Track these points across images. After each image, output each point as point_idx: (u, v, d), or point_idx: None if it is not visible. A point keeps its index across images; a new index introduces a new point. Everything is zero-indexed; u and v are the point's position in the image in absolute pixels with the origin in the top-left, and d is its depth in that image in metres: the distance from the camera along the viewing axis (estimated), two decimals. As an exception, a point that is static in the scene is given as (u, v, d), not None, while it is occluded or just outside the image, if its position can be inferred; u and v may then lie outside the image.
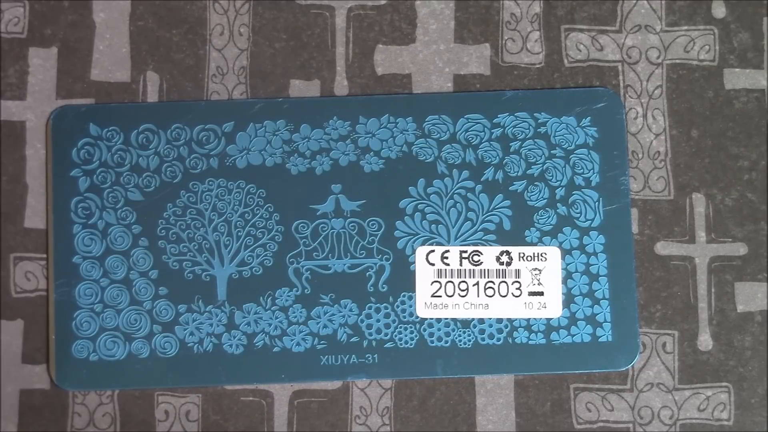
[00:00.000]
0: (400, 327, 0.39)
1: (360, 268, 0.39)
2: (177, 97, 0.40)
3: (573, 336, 0.39)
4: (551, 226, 0.40)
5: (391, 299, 0.39)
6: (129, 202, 0.39)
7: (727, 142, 0.41)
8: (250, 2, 0.41)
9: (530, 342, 0.39)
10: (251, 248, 0.39)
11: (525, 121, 0.40)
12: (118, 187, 0.40)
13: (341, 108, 0.40)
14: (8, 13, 0.41)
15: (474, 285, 0.39)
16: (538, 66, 0.41)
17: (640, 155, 0.41)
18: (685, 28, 0.41)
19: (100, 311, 0.39)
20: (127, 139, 0.40)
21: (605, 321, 0.39)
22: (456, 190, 0.40)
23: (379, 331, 0.39)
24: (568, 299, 0.39)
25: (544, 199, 0.40)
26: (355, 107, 0.40)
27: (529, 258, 0.39)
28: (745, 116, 0.41)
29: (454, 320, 0.39)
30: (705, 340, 0.40)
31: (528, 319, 0.39)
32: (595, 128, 0.40)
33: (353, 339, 0.39)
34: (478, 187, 0.40)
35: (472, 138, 0.40)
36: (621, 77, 0.41)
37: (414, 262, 0.39)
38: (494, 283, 0.39)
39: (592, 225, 0.40)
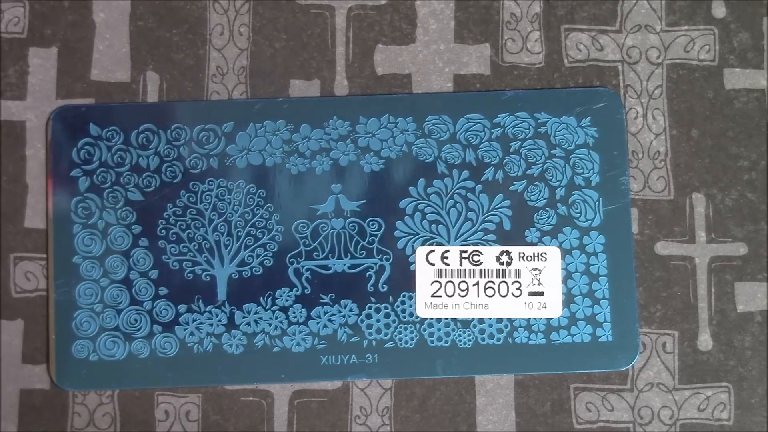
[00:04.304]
0: (400, 327, 0.39)
1: (360, 268, 0.39)
2: (177, 97, 0.40)
3: (573, 336, 0.39)
4: (551, 226, 0.40)
5: (391, 299, 0.39)
6: (129, 202, 0.39)
7: (727, 142, 0.41)
8: (250, 2, 0.41)
9: (530, 342, 0.39)
10: (251, 248, 0.39)
11: (525, 121, 0.40)
12: (118, 187, 0.39)
13: (341, 108, 0.40)
14: (8, 13, 0.41)
15: (474, 285, 0.39)
16: (538, 66, 0.41)
17: (640, 155, 0.41)
18: (685, 28, 0.41)
19: (100, 311, 0.39)
20: (127, 139, 0.40)
21: (605, 321, 0.39)
22: (456, 190, 0.40)
23: (379, 331, 0.39)
24: (568, 299, 0.39)
25: (544, 199, 0.40)
26: (355, 107, 0.40)
27: (529, 258, 0.39)
28: (745, 116, 0.41)
29: (454, 320, 0.39)
30: (705, 340, 0.40)
31: (528, 319, 0.39)
32: (595, 128, 0.40)
33: (353, 339, 0.39)
34: (478, 187, 0.40)
35: (472, 138, 0.40)
36: (621, 77, 0.41)
37: (414, 262, 0.39)
38: (494, 283, 0.39)
39: (592, 225, 0.40)
